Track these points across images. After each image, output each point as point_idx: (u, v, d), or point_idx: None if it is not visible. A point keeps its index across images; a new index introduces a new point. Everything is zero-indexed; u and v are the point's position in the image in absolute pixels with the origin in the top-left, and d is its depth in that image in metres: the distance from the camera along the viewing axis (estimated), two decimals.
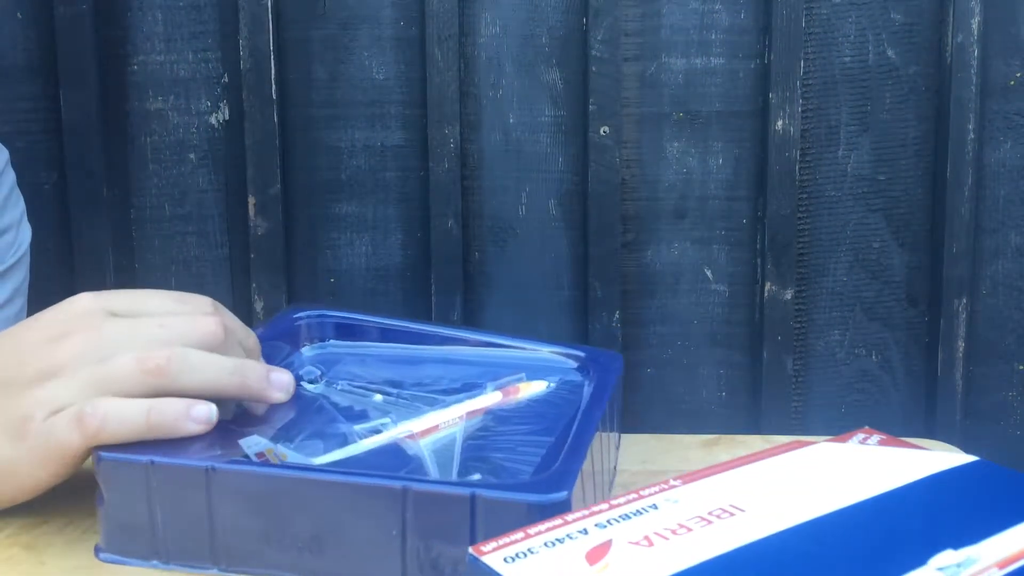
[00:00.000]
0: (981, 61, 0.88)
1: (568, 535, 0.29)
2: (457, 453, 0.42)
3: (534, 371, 0.50)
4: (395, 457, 0.41)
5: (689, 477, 0.34)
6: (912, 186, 0.91)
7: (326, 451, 0.41)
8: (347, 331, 0.53)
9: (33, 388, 0.39)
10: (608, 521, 0.30)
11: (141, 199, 0.93)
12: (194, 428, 0.39)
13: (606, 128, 0.89)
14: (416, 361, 0.52)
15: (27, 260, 0.67)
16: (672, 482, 0.33)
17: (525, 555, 0.28)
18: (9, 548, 0.40)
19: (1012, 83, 0.90)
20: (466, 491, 0.35)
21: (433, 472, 0.40)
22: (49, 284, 0.89)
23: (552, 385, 0.49)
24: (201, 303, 0.43)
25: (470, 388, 0.48)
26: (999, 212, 0.92)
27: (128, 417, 0.38)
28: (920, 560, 0.28)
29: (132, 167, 0.92)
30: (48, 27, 0.88)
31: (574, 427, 0.42)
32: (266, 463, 0.39)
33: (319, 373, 0.48)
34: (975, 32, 0.87)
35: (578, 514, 0.31)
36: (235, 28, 0.89)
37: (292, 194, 0.92)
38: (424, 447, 0.42)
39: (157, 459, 0.38)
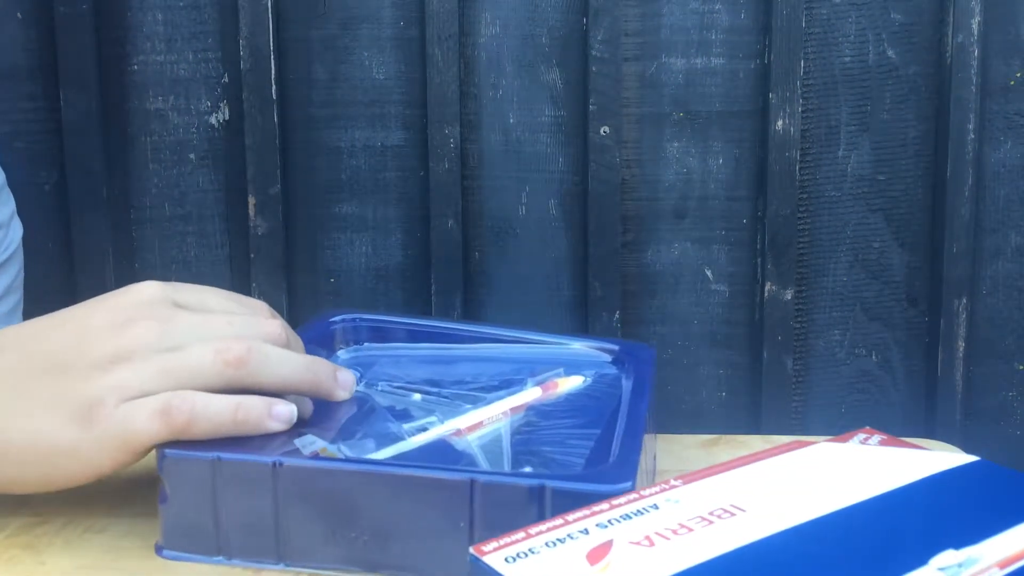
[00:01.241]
0: (981, 61, 0.88)
1: (569, 535, 0.29)
2: (506, 448, 0.42)
3: (569, 366, 0.50)
4: (446, 454, 0.42)
5: (690, 477, 0.34)
6: (912, 186, 0.91)
7: (378, 449, 0.42)
8: (381, 334, 0.54)
9: (100, 372, 0.38)
10: (609, 521, 0.30)
11: (141, 199, 0.93)
12: (275, 427, 0.39)
13: (606, 128, 0.89)
14: (451, 360, 0.52)
15: (20, 256, 0.67)
16: (673, 482, 0.33)
17: (526, 555, 0.28)
18: (9, 548, 0.40)
19: (1012, 83, 0.90)
20: (534, 482, 0.36)
21: (485, 467, 0.41)
22: (49, 283, 0.89)
23: (588, 379, 0.49)
24: (260, 306, 0.43)
25: (509, 384, 0.49)
26: (999, 212, 0.92)
27: (217, 412, 0.38)
28: (921, 560, 0.28)
29: (132, 167, 0.92)
30: (48, 27, 0.88)
31: (622, 419, 0.43)
32: (331, 459, 0.39)
33: (358, 375, 0.48)
34: (975, 32, 0.87)
35: (579, 514, 0.31)
36: (235, 28, 0.89)
37: (292, 194, 0.92)
38: (472, 443, 0.43)
39: (224, 455, 0.38)
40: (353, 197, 0.93)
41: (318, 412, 0.44)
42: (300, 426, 0.41)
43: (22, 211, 0.69)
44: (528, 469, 0.40)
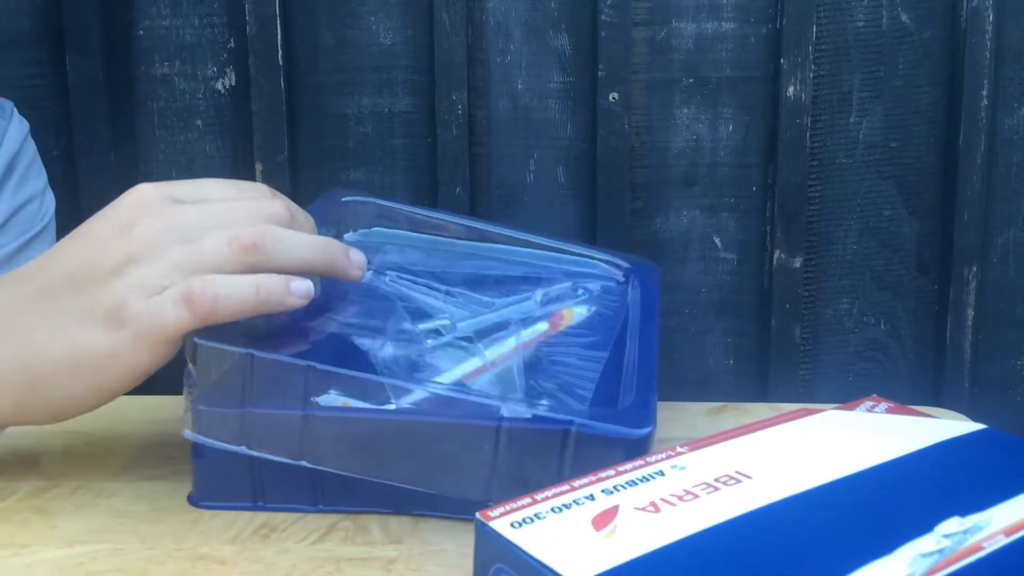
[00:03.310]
0: (996, 26, 0.86)
1: (575, 500, 0.29)
2: (518, 377, 0.43)
3: (575, 277, 0.50)
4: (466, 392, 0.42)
5: (696, 444, 0.34)
6: (924, 153, 0.91)
7: (396, 363, 0.42)
8: (390, 219, 0.53)
9: (116, 277, 0.38)
10: (615, 487, 0.30)
11: (148, 166, 0.92)
12: (296, 303, 0.39)
13: (615, 94, 0.88)
14: (458, 255, 0.52)
15: (52, 228, 0.68)
16: (679, 449, 0.33)
17: (532, 520, 0.28)
18: (21, 512, 0.40)
19: None
20: (559, 427, 0.36)
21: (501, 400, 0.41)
22: None
23: (592, 308, 0.49)
24: (260, 188, 0.43)
25: (516, 292, 0.49)
26: (1012, 179, 0.91)
27: (238, 291, 0.38)
28: (926, 527, 0.28)
29: (139, 133, 0.92)
30: None
31: (633, 347, 0.43)
32: (360, 408, 0.39)
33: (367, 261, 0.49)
34: None
35: (584, 480, 0.31)
36: None
37: (299, 161, 0.92)
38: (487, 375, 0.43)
39: (256, 352, 0.38)
40: (361, 164, 0.92)
41: (336, 303, 0.43)
42: (317, 314, 0.41)
43: None
44: (544, 403, 0.41)
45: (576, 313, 0.49)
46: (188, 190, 0.41)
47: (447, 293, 0.48)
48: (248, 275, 0.39)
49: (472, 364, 0.44)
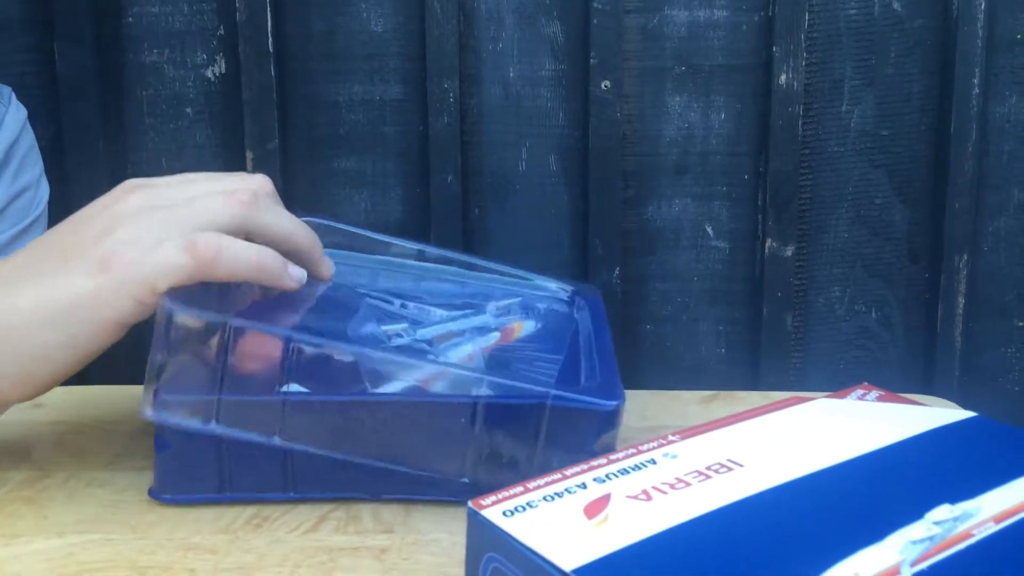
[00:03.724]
0: (988, 14, 0.86)
1: (567, 489, 0.29)
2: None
3: (526, 299, 0.53)
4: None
5: (687, 432, 0.34)
6: (915, 141, 0.91)
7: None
8: (348, 242, 0.55)
9: (106, 235, 0.38)
10: (607, 476, 0.30)
11: (137, 154, 0.92)
12: (290, 284, 0.40)
13: (607, 82, 0.88)
14: (410, 276, 0.54)
15: (45, 217, 0.68)
16: (670, 437, 0.33)
17: (524, 509, 0.28)
18: (11, 503, 0.40)
19: (1020, 37, 0.89)
20: (535, 400, 0.37)
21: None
22: None
23: (541, 324, 0.51)
24: (240, 173, 0.44)
25: (470, 306, 0.51)
26: (1002, 168, 0.91)
27: (242, 252, 0.38)
28: (917, 514, 0.28)
29: (128, 122, 0.91)
30: None
31: (588, 347, 0.44)
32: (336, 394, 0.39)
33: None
34: None
35: (576, 468, 0.31)
36: None
37: (290, 149, 0.91)
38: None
39: (234, 322, 0.37)
40: (352, 152, 0.92)
41: (298, 305, 0.44)
42: (281, 314, 0.42)
43: None
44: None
45: (526, 326, 0.50)
46: (170, 178, 0.42)
47: (402, 305, 0.49)
48: (251, 243, 0.39)
49: (433, 368, 0.44)
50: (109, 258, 0.37)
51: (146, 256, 0.37)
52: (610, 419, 0.37)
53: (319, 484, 0.39)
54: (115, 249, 0.38)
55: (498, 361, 0.45)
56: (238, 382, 0.38)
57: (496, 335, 0.49)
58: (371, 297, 0.49)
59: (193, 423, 0.37)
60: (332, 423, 0.38)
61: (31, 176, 0.66)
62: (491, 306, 0.51)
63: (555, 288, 0.54)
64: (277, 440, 0.37)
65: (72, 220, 0.40)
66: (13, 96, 0.67)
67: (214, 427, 0.37)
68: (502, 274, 0.55)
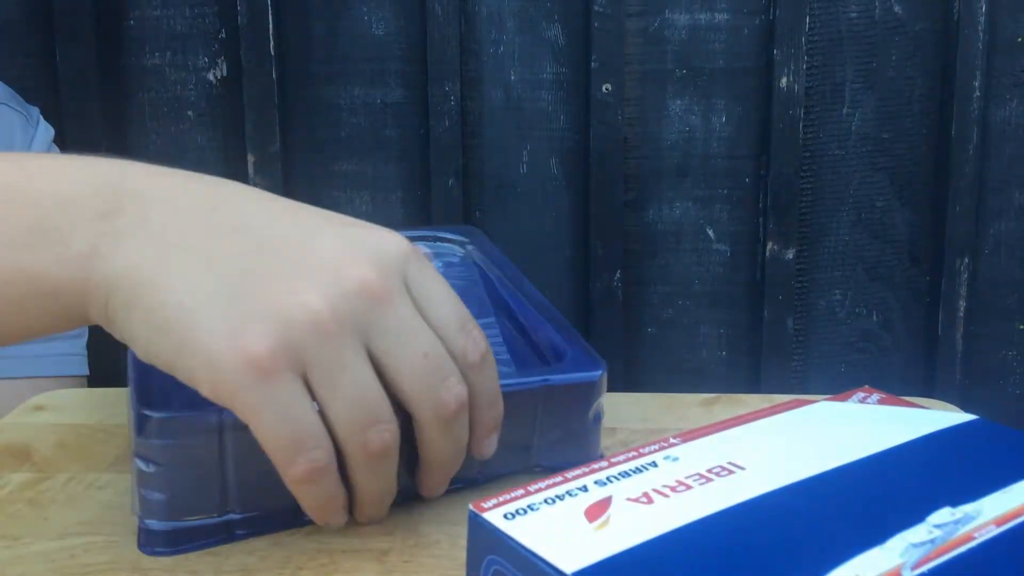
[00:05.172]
0: (989, 17, 0.87)
1: (568, 492, 0.29)
2: None
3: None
4: None
5: (688, 435, 0.34)
6: (917, 144, 0.91)
7: None
8: None
9: (282, 313, 0.31)
10: (608, 478, 0.30)
11: (139, 157, 0.91)
12: (325, 524, 0.35)
13: (608, 85, 0.88)
14: None
15: None
16: (672, 440, 0.33)
17: (525, 512, 0.28)
18: (12, 504, 0.40)
19: (1020, 40, 0.89)
20: (538, 383, 0.37)
21: None
22: None
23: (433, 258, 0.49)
24: (465, 317, 0.34)
25: None
26: (1003, 171, 0.91)
27: (287, 416, 0.30)
28: (918, 517, 0.28)
29: (130, 124, 0.91)
30: None
31: (524, 308, 0.44)
32: None
33: None
34: None
35: (577, 471, 0.31)
36: None
37: (291, 152, 0.91)
38: None
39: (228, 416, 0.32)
40: (353, 155, 0.92)
41: None
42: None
43: None
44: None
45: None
46: (421, 276, 0.35)
47: None
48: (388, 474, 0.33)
49: None
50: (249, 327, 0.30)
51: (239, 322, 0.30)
52: (597, 389, 0.38)
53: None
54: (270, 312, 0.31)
55: None
56: (248, 491, 0.35)
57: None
58: None
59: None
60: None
61: None
62: None
63: (441, 244, 0.50)
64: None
65: (304, 235, 0.34)
66: (41, 117, 0.67)
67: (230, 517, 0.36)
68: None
